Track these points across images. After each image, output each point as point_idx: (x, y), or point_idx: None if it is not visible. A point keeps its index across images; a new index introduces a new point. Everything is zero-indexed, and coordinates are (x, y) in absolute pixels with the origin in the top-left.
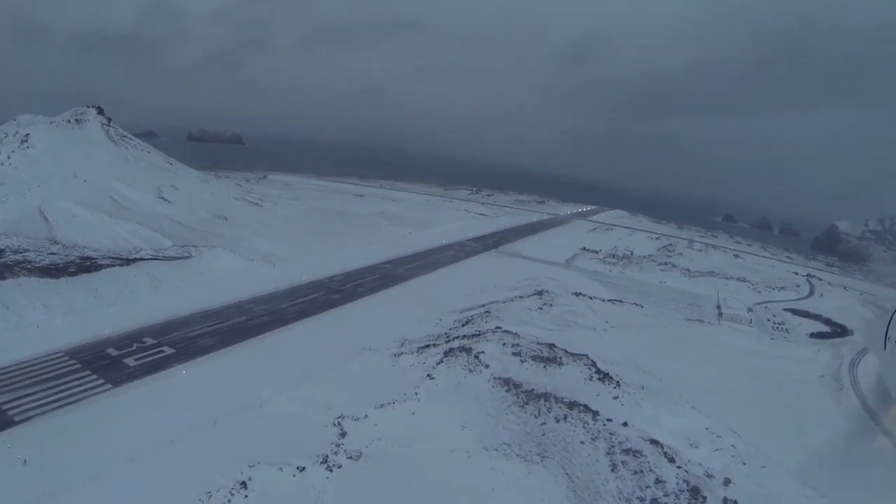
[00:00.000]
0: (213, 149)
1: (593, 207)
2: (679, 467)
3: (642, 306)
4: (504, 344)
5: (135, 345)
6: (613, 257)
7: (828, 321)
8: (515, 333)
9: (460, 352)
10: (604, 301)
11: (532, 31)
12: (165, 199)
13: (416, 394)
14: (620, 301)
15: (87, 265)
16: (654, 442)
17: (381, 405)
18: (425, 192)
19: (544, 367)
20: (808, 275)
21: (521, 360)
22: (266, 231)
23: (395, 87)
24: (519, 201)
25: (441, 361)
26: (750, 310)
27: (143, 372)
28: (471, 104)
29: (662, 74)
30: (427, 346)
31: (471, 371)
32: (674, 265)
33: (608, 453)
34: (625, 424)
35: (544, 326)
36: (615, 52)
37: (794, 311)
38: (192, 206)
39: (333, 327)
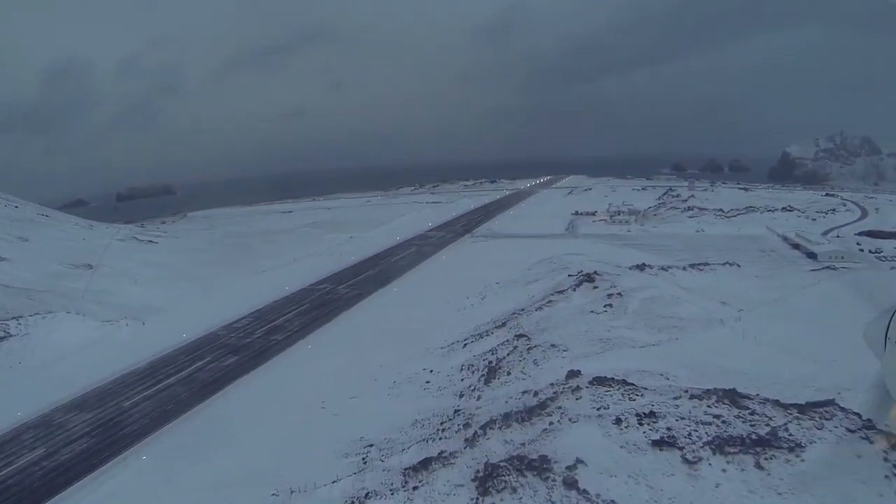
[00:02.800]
0: (143, 204)
1: (550, 177)
2: None
3: (738, 265)
4: (618, 421)
5: None
6: (620, 214)
7: None
8: (626, 382)
9: (519, 472)
10: (683, 269)
11: (447, 16)
12: None
13: None
14: (705, 264)
15: None
16: None
17: None
18: (364, 196)
19: (757, 464)
20: (826, 194)
21: (689, 464)
22: (151, 273)
23: (317, 105)
24: (468, 186)
25: None
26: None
27: None
28: (397, 108)
29: (586, 34)
30: (427, 460)
31: None
32: (701, 209)
33: None
34: None
35: (641, 340)
36: (535, 20)
37: (872, 234)
38: (41, 260)
39: (218, 441)
